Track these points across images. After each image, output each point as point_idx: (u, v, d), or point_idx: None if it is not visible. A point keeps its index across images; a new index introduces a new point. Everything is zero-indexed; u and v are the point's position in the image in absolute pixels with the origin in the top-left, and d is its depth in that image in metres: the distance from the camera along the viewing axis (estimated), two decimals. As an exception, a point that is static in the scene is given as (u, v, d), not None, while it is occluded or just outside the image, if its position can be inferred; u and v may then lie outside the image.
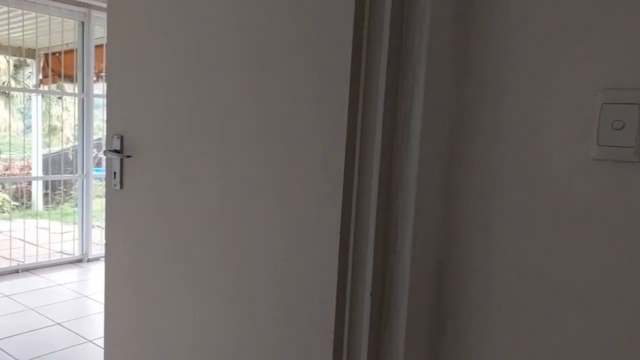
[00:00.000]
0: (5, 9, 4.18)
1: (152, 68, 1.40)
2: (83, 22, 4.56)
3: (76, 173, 4.76)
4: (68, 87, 5.52)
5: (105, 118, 1.64)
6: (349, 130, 0.93)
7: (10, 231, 4.44)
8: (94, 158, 4.97)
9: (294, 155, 1.03)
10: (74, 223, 4.91)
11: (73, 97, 4.98)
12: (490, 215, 0.98)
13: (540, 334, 0.94)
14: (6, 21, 4.34)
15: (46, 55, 5.32)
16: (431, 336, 1.06)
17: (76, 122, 4.75)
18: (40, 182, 6.59)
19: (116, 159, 1.55)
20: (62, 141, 6.09)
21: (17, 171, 6.37)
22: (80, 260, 4.70)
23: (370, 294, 0.97)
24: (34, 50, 5.37)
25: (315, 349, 1.01)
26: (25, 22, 4.43)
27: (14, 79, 7.89)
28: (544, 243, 0.92)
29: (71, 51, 4.72)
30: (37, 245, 4.48)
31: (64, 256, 4.69)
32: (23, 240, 4.58)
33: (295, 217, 1.04)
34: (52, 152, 6.72)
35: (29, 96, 7.07)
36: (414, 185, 0.95)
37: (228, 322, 1.21)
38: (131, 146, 1.50)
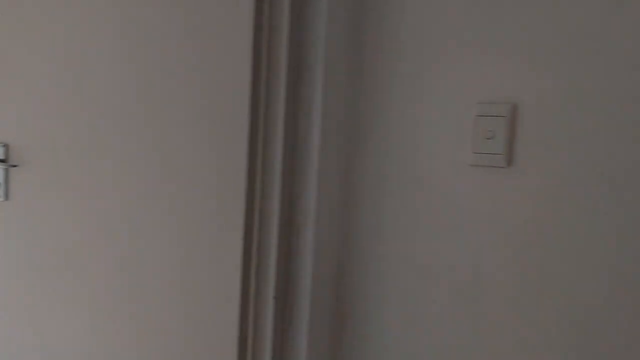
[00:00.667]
0: None
1: (41, 71, 1.33)
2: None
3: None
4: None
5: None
6: (250, 141, 0.96)
7: None
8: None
9: (194, 161, 1.04)
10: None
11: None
12: (383, 219, 1.05)
13: (429, 323, 1.02)
14: None
15: None
16: (333, 335, 1.12)
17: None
18: None
19: (0, 168, 1.44)
20: None
21: None
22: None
23: (274, 298, 1.00)
24: None
25: (220, 353, 1.02)
26: None
27: None
28: (429, 241, 1.01)
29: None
30: None
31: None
32: None
33: (197, 225, 1.04)
34: None
35: None
36: (314, 193, 1.00)
37: (128, 334, 1.18)
38: (17, 155, 1.41)
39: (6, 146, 1.43)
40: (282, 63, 0.93)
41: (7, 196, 1.45)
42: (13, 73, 1.40)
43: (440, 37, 0.98)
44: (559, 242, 0.90)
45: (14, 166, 1.42)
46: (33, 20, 1.33)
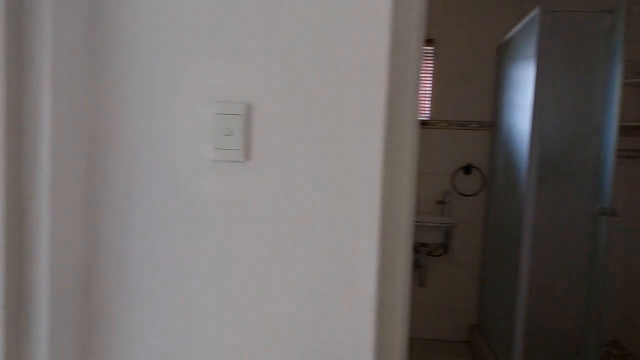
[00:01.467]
0: None
1: None
2: None
3: None
4: None
5: None
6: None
7: None
8: None
9: None
10: None
11: None
12: (131, 215, 1.04)
13: (177, 318, 1.05)
14: None
15: None
16: (82, 341, 1.07)
17: None
18: None
19: None
20: None
21: None
22: None
23: (3, 307, 0.92)
24: None
25: None
26: None
27: None
28: (179, 234, 1.03)
29: None
30: None
31: None
32: None
33: None
34: None
35: None
36: (47, 193, 0.94)
37: None
38: None
39: None
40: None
41: None
42: None
43: (178, 37, 1.00)
44: (290, 228, 1.00)
45: None
46: None
